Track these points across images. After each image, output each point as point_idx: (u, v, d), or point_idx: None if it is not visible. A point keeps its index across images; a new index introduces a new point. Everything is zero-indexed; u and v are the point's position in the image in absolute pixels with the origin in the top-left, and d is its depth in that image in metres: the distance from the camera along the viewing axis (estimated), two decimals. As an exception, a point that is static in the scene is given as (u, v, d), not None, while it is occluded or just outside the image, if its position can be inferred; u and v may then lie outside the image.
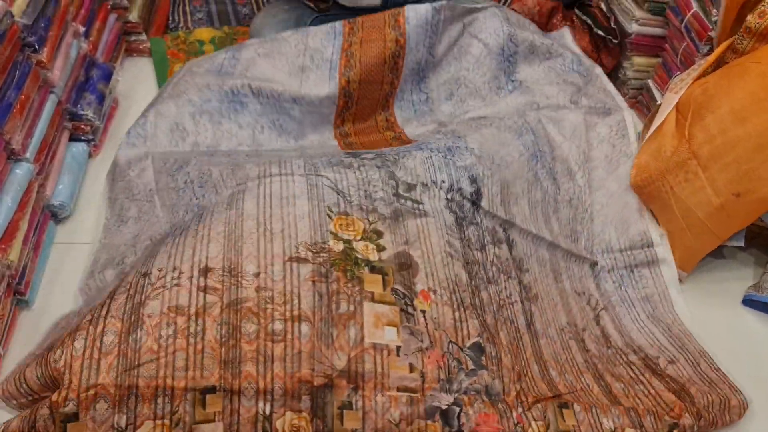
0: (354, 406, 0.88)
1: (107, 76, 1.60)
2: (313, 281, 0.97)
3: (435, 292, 1.04)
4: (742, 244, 1.32)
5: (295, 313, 0.93)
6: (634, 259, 1.36)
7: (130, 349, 0.87)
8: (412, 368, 0.93)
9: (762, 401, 1.15)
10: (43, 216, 1.31)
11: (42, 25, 1.30)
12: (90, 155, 1.53)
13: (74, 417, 0.83)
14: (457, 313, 1.03)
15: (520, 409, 0.97)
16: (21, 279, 1.16)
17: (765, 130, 1.20)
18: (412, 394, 0.91)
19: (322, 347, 0.91)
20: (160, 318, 0.90)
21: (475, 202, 1.23)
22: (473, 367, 0.98)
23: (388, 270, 1.03)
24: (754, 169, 1.22)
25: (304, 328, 0.92)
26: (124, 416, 0.83)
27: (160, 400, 0.85)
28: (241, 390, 0.86)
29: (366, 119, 1.58)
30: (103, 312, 0.91)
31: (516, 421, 0.95)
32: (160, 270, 0.97)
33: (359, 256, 1.04)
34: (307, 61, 1.50)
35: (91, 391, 0.83)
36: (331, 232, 1.05)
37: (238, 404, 0.86)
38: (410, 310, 0.99)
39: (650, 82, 1.75)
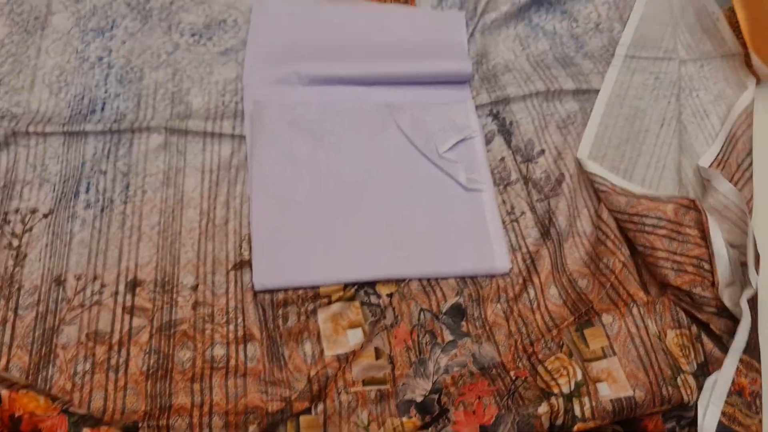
0: (313, 411, 0.70)
1: None
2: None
3: None
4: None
5: (240, 333, 0.78)
6: None
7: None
8: (378, 354, 0.75)
9: None
10: None
11: None
12: None
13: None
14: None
15: (523, 362, 0.74)
16: None
17: None
18: (381, 387, 0.73)
19: (274, 370, 0.76)
20: (77, 349, 0.75)
21: None
22: (451, 338, 0.77)
23: None
24: None
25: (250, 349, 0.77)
26: None
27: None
28: (170, 427, 0.70)
29: None
30: (6, 338, 0.75)
31: (514, 377, 0.72)
32: (78, 278, 0.79)
33: None
34: None
35: None
36: None
37: None
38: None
39: None
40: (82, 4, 1.02)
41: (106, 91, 0.94)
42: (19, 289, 0.77)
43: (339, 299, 0.79)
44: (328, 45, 1.01)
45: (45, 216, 0.83)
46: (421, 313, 0.78)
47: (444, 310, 0.79)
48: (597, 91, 0.96)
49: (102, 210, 0.84)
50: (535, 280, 0.81)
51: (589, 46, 1.04)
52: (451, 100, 0.97)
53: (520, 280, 0.82)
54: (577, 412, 0.67)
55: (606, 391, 0.69)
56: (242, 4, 1.04)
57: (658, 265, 0.76)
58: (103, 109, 0.92)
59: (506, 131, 0.94)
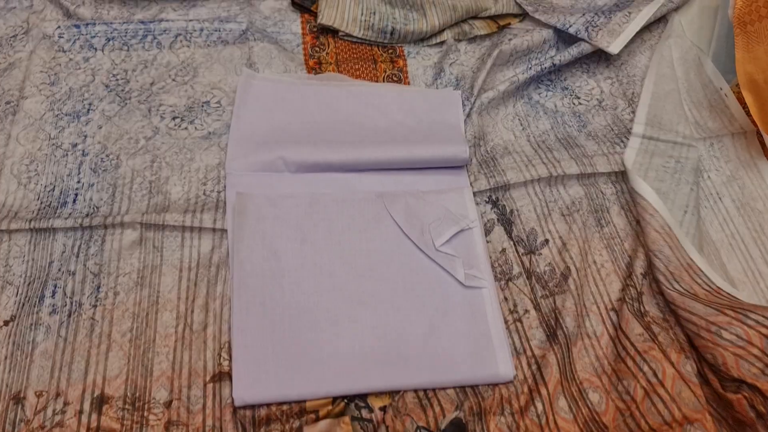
0: None
1: None
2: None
3: None
4: None
5: None
6: None
7: None
8: None
9: None
10: None
11: None
12: None
13: None
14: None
15: None
16: None
17: None
18: None
19: None
20: None
21: None
22: None
23: None
24: None
25: None
26: None
27: None
28: None
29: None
30: None
31: None
32: (39, 396, 0.71)
33: None
34: None
35: None
36: None
37: None
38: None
39: None
40: (58, 87, 0.97)
41: (78, 181, 0.88)
42: (-28, 413, 0.69)
43: (327, 414, 0.71)
44: (317, 128, 0.95)
45: (6, 323, 0.75)
46: (418, 431, 0.70)
47: (443, 427, 0.71)
48: (602, 175, 0.90)
49: (69, 315, 0.76)
50: (543, 390, 0.73)
51: (592, 125, 0.99)
52: (448, 188, 0.90)
53: (526, 389, 0.74)
54: None
55: None
56: (227, 84, 0.99)
57: (747, 359, 0.68)
58: (74, 201, 0.86)
59: (507, 220, 0.87)
